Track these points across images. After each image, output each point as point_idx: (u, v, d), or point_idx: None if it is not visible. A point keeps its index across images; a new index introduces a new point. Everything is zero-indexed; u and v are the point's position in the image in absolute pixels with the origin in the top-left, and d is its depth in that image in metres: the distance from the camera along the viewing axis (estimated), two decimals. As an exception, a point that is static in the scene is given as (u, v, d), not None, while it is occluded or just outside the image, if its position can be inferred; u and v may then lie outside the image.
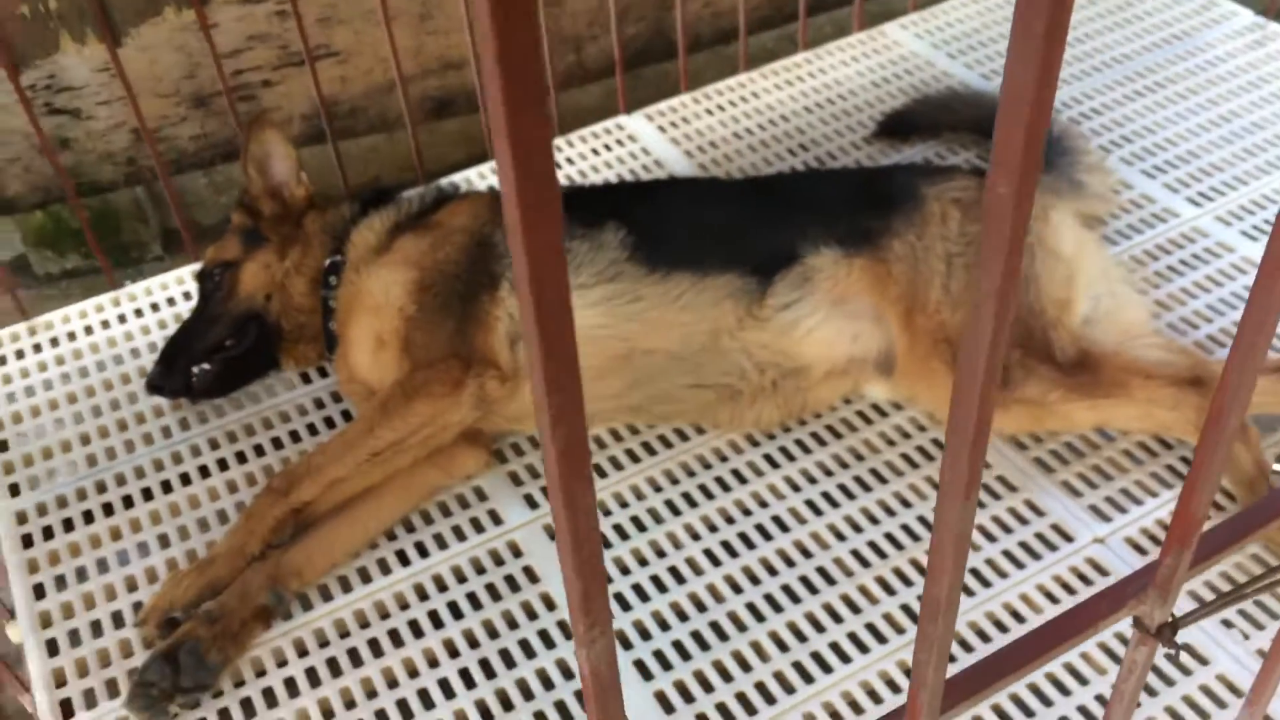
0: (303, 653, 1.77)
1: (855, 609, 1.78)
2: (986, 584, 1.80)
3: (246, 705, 1.71)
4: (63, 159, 3.07)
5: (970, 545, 0.55)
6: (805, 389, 2.01)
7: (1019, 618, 1.76)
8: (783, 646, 1.73)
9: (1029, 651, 0.67)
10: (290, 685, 1.73)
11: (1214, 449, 0.64)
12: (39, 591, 1.86)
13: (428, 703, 1.70)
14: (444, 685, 1.72)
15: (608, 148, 2.72)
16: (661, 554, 1.87)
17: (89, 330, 2.33)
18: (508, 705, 1.69)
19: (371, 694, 1.72)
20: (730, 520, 1.91)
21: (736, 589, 1.82)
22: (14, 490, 2.02)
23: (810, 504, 1.92)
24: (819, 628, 1.75)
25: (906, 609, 1.77)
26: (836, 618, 1.76)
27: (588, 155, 2.71)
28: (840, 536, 1.87)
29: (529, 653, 1.75)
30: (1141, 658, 0.71)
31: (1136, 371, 1.86)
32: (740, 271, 1.96)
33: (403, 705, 1.70)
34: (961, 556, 0.56)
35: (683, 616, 1.78)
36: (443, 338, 1.92)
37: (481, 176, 2.70)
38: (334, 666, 1.76)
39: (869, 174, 2.27)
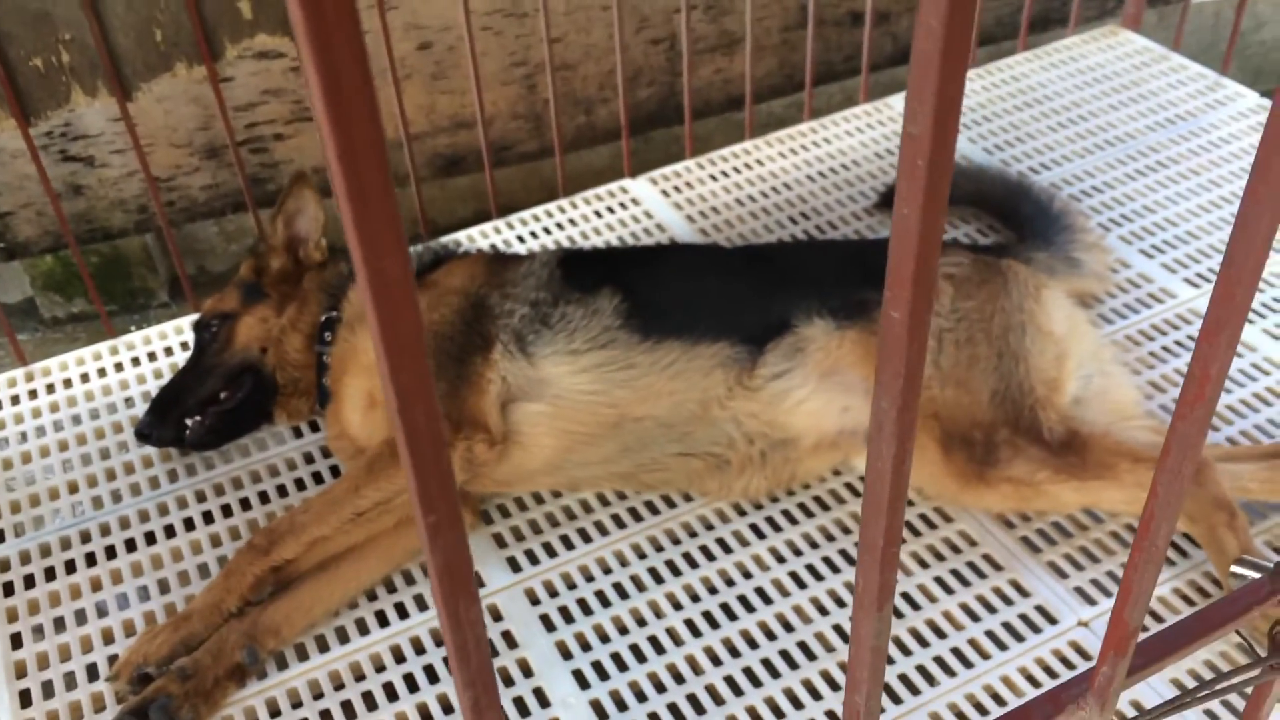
0: (275, 713, 1.76)
1: (835, 686, 1.76)
2: (968, 664, 1.77)
3: (215, 764, 1.69)
4: (76, 205, 3.11)
5: (886, 658, 0.54)
6: (794, 460, 2.00)
7: (999, 700, 1.73)
8: (759, 723, 1.71)
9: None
10: (260, 745, 1.71)
11: (1146, 558, 0.63)
12: (16, 641, 1.86)
13: (397, 768, 1.68)
14: (415, 751, 1.70)
15: (610, 210, 2.74)
16: (643, 622, 1.86)
17: (85, 378, 2.35)
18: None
19: (342, 757, 1.71)
20: (713, 590, 1.90)
21: (716, 661, 1.80)
22: (-1, 536, 2.03)
23: (794, 576, 1.91)
24: (797, 704, 1.73)
25: (890, 685, 1.75)
26: (816, 694, 1.74)
27: (590, 217, 2.73)
28: (823, 610, 1.85)
29: (502, 720, 1.73)
30: (1075, 770, 0.70)
31: (1125, 454, 1.84)
32: (732, 340, 1.97)
33: (372, 770, 1.68)
34: (879, 666, 0.56)
35: (660, 688, 1.76)
36: None
37: (484, 235, 2.72)
38: (307, 727, 1.74)
39: (865, 246, 2.28)
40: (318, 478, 2.12)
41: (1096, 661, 0.67)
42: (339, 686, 1.79)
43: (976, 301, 1.96)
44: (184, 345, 2.42)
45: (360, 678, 1.80)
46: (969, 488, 1.87)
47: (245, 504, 2.07)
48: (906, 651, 1.78)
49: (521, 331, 1.98)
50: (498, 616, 1.87)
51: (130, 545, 2.00)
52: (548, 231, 2.70)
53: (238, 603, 1.80)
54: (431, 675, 1.80)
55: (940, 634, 1.81)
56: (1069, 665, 1.76)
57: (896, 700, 1.71)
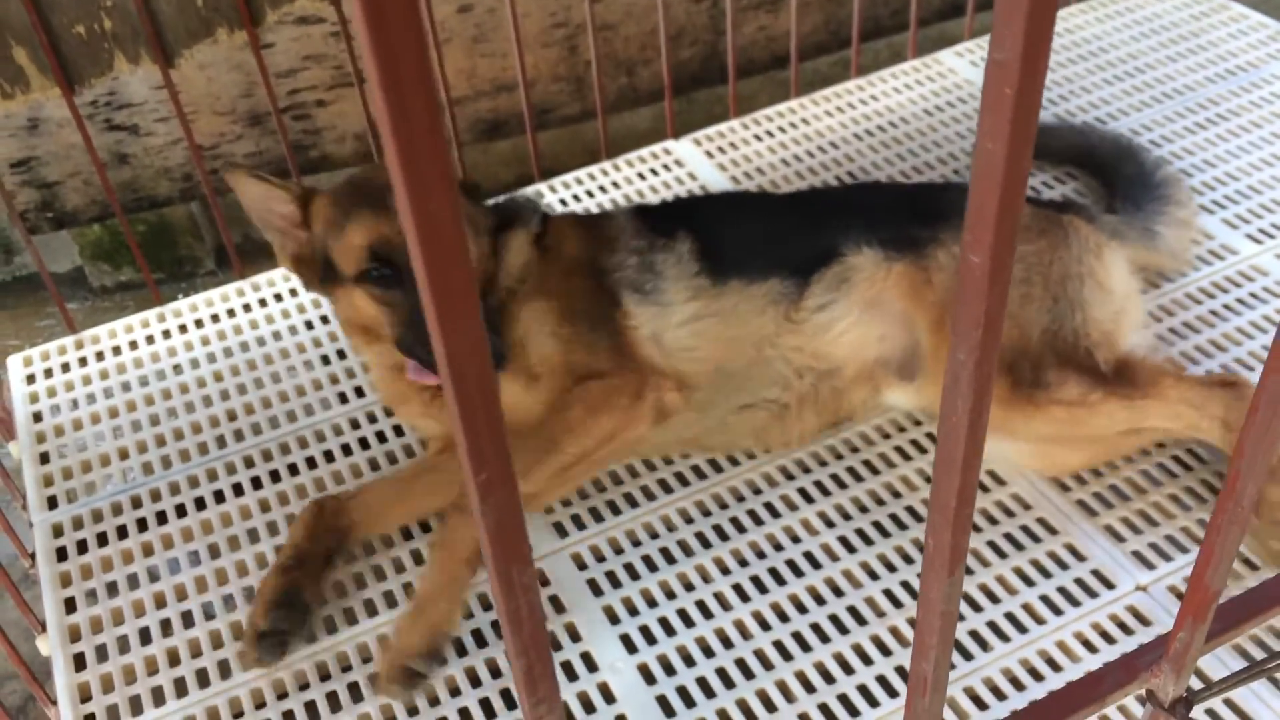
0: (303, 686, 1.76)
1: (886, 650, 1.73)
2: (1023, 629, 1.74)
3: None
4: (121, 174, 3.13)
5: (956, 622, 0.51)
6: (840, 391, 1.98)
7: (1055, 666, 1.70)
8: (809, 687, 1.69)
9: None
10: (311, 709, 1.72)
11: (1230, 517, 0.60)
12: (70, 605, 1.88)
13: (447, 732, 1.68)
14: (464, 714, 1.70)
15: (654, 172, 2.71)
16: (690, 587, 1.84)
17: (133, 345, 2.36)
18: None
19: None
20: (761, 555, 1.88)
21: (765, 626, 1.78)
22: (52, 503, 2.05)
23: (843, 540, 1.88)
24: (847, 669, 1.71)
25: (939, 654, 1.72)
26: (867, 659, 1.72)
27: (634, 180, 2.70)
28: (873, 575, 1.83)
29: (551, 684, 1.72)
30: (1152, 734, 0.67)
31: (1168, 373, 1.85)
32: (781, 275, 1.94)
33: (422, 733, 1.69)
34: (949, 632, 0.53)
35: (709, 653, 1.75)
36: (604, 355, 1.89)
37: (526, 199, 2.71)
38: (334, 701, 1.74)
39: (923, 188, 2.25)
40: (363, 442, 2.12)
41: (1173, 627, 0.64)
42: (366, 660, 1.79)
43: (1034, 247, 1.92)
44: (230, 312, 2.43)
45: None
46: (1017, 411, 1.82)
47: (293, 469, 2.08)
48: (960, 617, 1.75)
49: (638, 281, 1.95)
50: (544, 581, 1.86)
51: (181, 510, 2.01)
52: (590, 195, 2.67)
53: (472, 572, 1.75)
54: (480, 639, 1.79)
55: (994, 599, 1.78)
56: (1127, 631, 1.72)
57: (950, 666, 1.68)
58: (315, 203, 1.86)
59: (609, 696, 1.71)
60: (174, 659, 1.80)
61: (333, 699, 1.73)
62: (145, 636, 1.82)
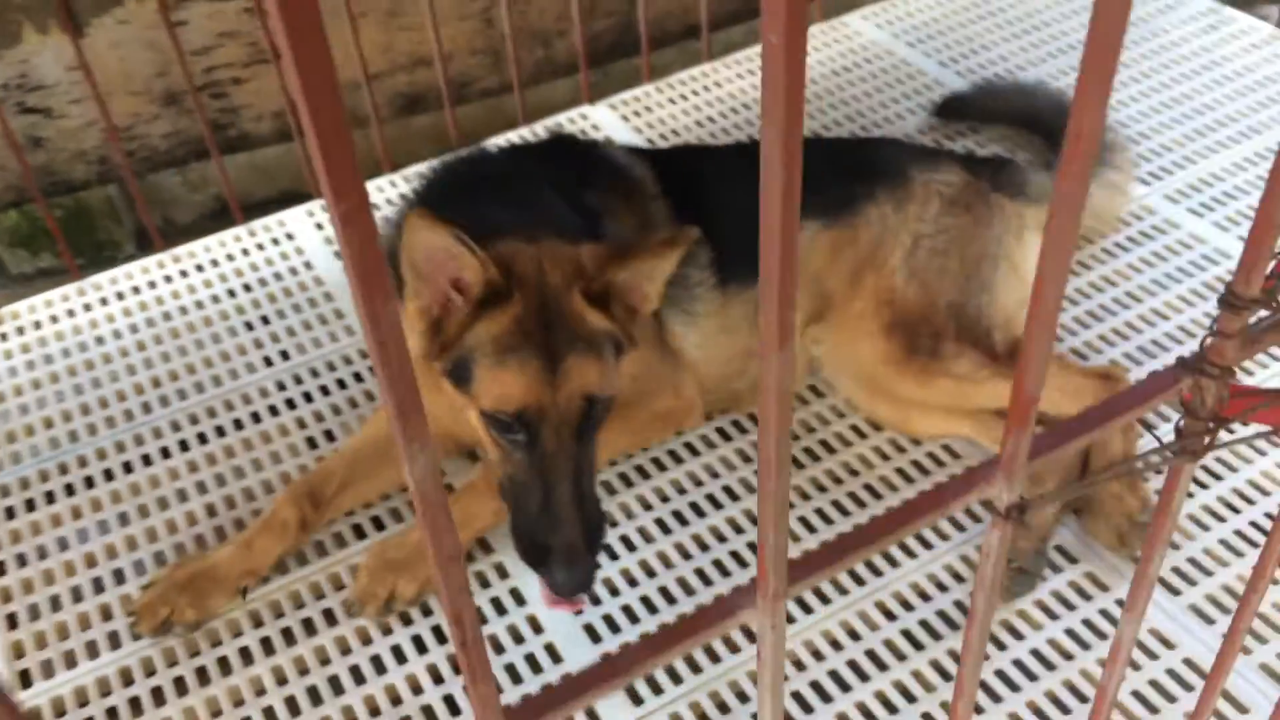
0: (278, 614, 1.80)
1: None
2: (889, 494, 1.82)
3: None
4: (36, 157, 3.10)
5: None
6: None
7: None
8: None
9: (882, 528, 0.70)
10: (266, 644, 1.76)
11: (1039, 325, 0.67)
12: (1, 569, 1.89)
13: (380, 668, 1.73)
14: (396, 651, 1.75)
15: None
16: (614, 524, 1.90)
17: (54, 319, 2.36)
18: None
19: (325, 661, 1.75)
20: (682, 490, 1.95)
21: (686, 555, 1.85)
22: (-22, 472, 2.05)
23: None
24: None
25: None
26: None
27: (551, 145, 2.74)
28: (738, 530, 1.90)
29: (481, 617, 1.77)
30: (996, 540, 0.74)
31: (1055, 360, 1.92)
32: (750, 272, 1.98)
33: (355, 671, 1.73)
34: (786, 408, 0.59)
35: (633, 583, 1.81)
36: (662, 366, 1.97)
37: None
38: (289, 636, 1.78)
39: (858, 143, 2.31)
40: (290, 403, 2.14)
41: (1003, 437, 0.71)
42: (320, 596, 1.83)
43: (959, 221, 1.99)
44: (150, 284, 2.43)
45: (341, 587, 1.84)
46: (909, 376, 1.91)
47: (220, 430, 2.10)
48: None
49: (679, 298, 1.96)
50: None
51: (108, 474, 2.03)
52: (510, 159, 2.72)
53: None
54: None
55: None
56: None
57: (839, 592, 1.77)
58: (499, 299, 1.57)
59: (537, 628, 1.76)
60: (107, 614, 1.82)
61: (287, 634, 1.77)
62: (77, 595, 1.84)
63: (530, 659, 1.73)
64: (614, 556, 1.85)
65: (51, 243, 3.34)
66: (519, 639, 1.75)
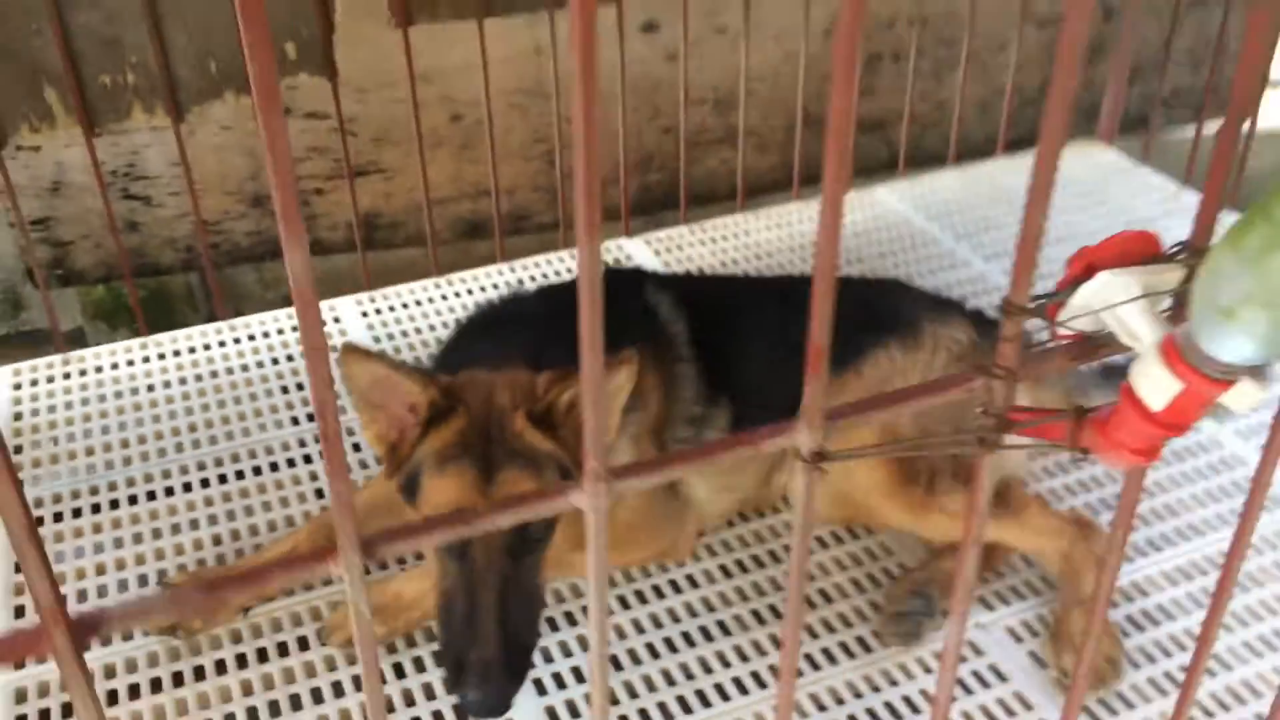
0: (257, 634, 1.94)
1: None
2: (875, 651, 1.91)
3: (178, 678, 1.87)
4: (130, 240, 3.43)
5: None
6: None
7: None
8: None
9: (701, 453, 0.85)
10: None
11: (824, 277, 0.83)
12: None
13: (339, 692, 1.85)
14: (356, 680, 1.87)
15: (605, 264, 3.00)
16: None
17: (114, 366, 2.62)
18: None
19: (290, 680, 1.88)
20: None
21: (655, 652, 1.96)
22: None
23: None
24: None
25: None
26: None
27: (587, 270, 2.99)
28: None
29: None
30: (803, 486, 0.88)
31: (1035, 502, 2.06)
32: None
33: (315, 692, 1.85)
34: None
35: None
36: (663, 506, 2.09)
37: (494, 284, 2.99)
38: (263, 655, 1.91)
39: (876, 289, 2.41)
40: (306, 459, 2.33)
41: (805, 382, 0.86)
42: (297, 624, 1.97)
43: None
44: (205, 345, 2.68)
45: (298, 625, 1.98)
46: (899, 508, 2.03)
47: (240, 475, 2.29)
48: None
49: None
50: None
51: (132, 500, 2.23)
52: (545, 276, 2.97)
53: None
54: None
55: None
56: (965, 654, 1.89)
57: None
58: (444, 414, 1.65)
59: None
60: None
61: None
62: (82, 596, 2.01)
63: None
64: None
65: (131, 319, 3.64)
66: None
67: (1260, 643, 1.92)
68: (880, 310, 2.22)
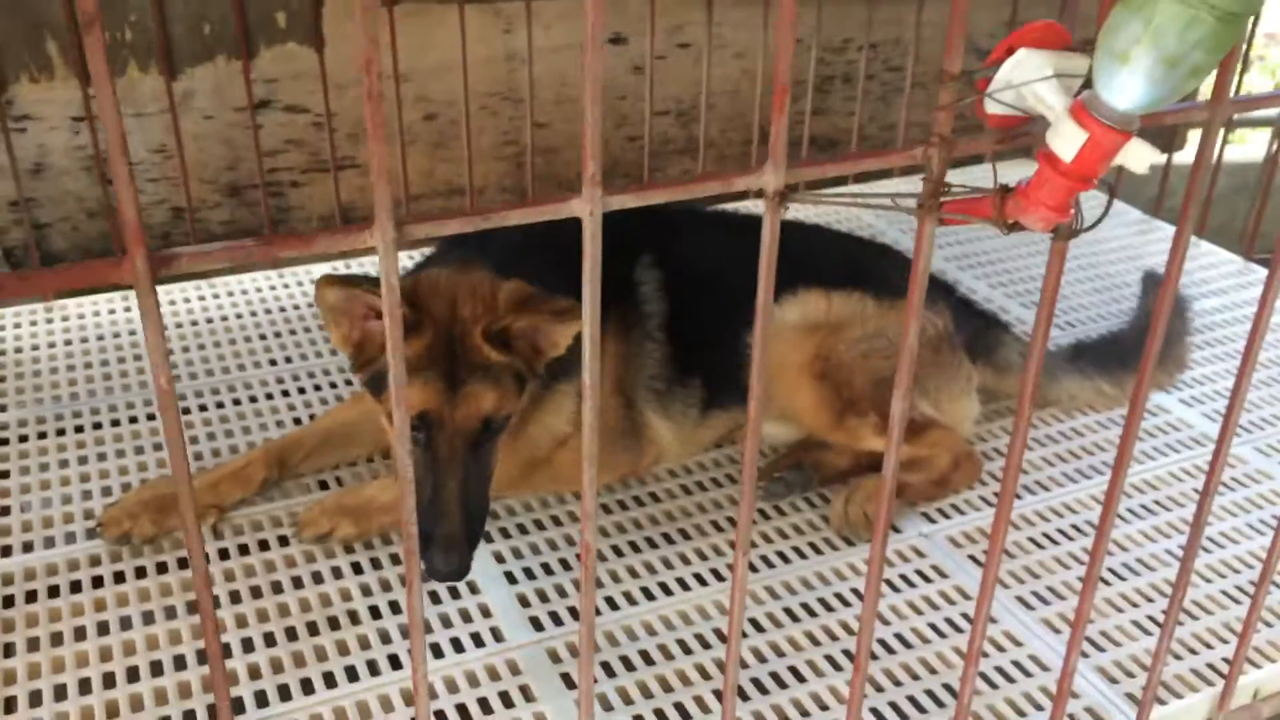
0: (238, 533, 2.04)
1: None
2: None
3: None
4: (103, 225, 3.52)
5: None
6: None
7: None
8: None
9: (674, 187, 0.99)
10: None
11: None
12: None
13: (318, 579, 1.94)
14: (335, 570, 1.96)
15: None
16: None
17: (96, 313, 2.71)
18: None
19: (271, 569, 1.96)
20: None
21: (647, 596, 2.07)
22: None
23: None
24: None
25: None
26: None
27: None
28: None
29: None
30: (769, 219, 1.03)
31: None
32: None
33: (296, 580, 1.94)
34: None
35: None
36: (624, 428, 2.23)
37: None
38: (244, 549, 2.00)
39: (881, 252, 2.57)
40: (285, 394, 2.43)
41: (771, 129, 1.01)
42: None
43: (920, 351, 2.15)
44: (185, 299, 2.78)
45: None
46: (831, 426, 2.22)
47: (220, 405, 2.38)
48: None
49: (661, 406, 2.27)
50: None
51: (115, 423, 2.31)
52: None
53: None
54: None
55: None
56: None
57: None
58: (414, 331, 1.80)
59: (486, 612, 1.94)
60: (68, 519, 2.05)
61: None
62: (47, 501, 2.08)
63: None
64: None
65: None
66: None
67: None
68: (868, 268, 2.37)
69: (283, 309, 2.78)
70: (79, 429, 2.29)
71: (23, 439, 2.26)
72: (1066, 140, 1.02)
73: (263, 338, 2.65)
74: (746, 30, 3.77)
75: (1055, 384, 2.47)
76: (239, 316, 2.75)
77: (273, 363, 2.55)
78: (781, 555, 2.04)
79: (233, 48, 3.27)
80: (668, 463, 2.29)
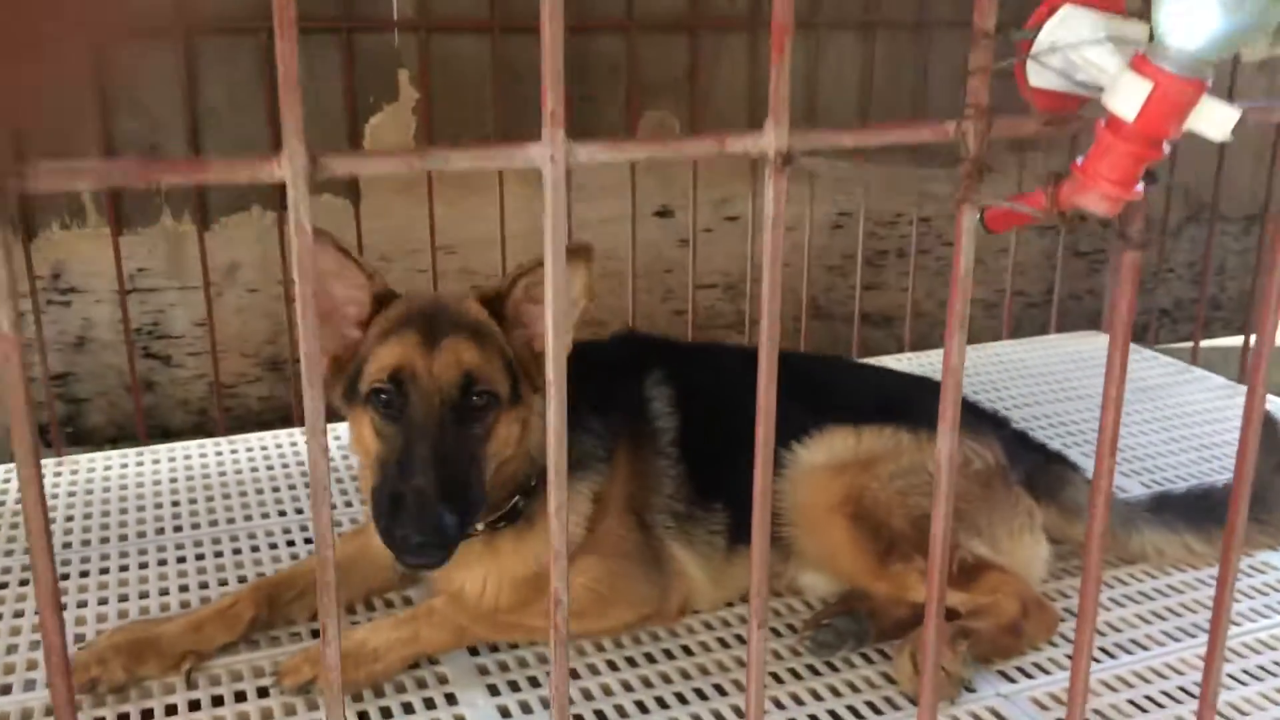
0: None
1: None
2: None
3: None
4: (144, 399, 3.46)
5: None
6: None
7: None
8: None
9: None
10: None
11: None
12: (-25, 612, 1.96)
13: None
14: (317, 726, 1.72)
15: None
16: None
17: (108, 468, 2.59)
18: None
19: (246, 727, 1.72)
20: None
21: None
22: None
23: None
24: None
25: None
26: None
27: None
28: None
29: None
30: (772, 190, 0.86)
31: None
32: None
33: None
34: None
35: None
36: (651, 570, 2.05)
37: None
38: (218, 701, 1.77)
39: (911, 384, 2.39)
40: (290, 544, 2.25)
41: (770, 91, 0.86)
42: None
43: (967, 485, 2.00)
44: (202, 454, 2.65)
45: None
46: (870, 573, 1.98)
47: (218, 554, 2.20)
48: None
49: (685, 539, 2.08)
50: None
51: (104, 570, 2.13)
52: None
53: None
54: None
55: (857, 693, 1.80)
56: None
57: None
58: (387, 307, 1.76)
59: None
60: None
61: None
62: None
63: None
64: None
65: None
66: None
67: None
68: (901, 400, 2.18)
69: (300, 464, 2.63)
70: (64, 576, 2.12)
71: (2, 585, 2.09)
72: (1128, 96, 0.86)
73: (275, 489, 2.50)
74: (795, 203, 3.71)
75: (1136, 534, 2.19)
76: (251, 470, 2.60)
77: (283, 513, 2.38)
78: (834, 715, 1.76)
79: (267, 199, 3.27)
80: (701, 606, 2.05)
